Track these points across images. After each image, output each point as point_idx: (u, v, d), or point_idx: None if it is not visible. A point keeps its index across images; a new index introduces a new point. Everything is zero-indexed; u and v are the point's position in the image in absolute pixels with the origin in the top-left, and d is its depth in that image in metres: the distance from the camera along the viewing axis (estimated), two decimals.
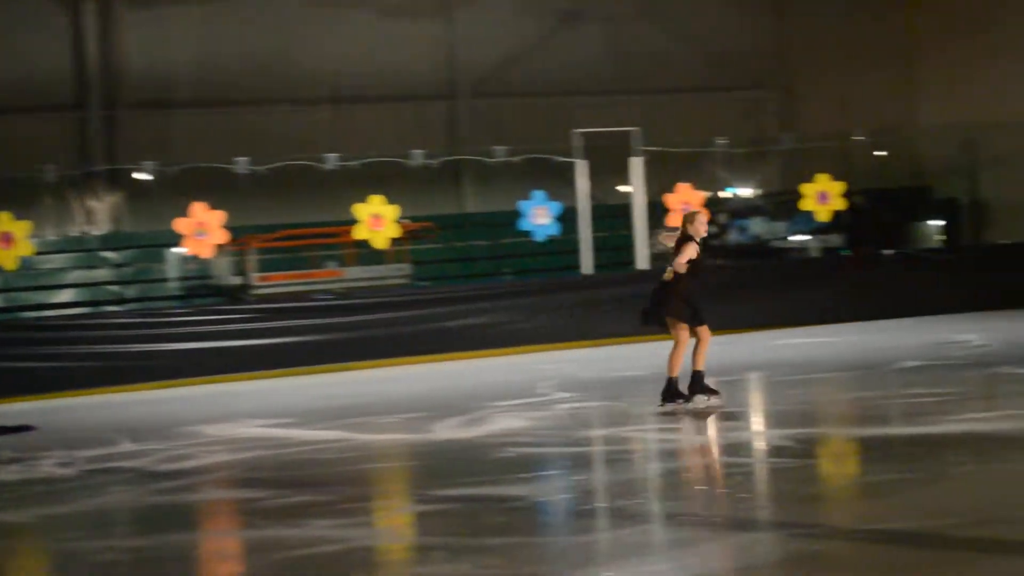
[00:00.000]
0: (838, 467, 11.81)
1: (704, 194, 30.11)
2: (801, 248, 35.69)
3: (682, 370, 15.53)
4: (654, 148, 30.14)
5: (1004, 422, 12.53)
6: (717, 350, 23.85)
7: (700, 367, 15.77)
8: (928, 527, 8.23)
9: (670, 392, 15.70)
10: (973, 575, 7.16)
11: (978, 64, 38.15)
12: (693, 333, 15.79)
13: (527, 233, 29.18)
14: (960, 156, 37.81)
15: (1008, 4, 37.85)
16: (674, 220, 28.81)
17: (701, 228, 16.02)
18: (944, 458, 10.70)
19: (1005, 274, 28.65)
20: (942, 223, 37.39)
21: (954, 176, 38.11)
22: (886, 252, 29.94)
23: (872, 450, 12.00)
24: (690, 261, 15.86)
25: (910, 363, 18.83)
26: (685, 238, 15.96)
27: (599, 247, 29.53)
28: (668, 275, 15.96)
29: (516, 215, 28.97)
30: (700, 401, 15.64)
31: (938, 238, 36.93)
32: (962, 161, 37.87)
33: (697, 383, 15.75)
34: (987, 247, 32.87)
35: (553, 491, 10.96)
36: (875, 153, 36.75)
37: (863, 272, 29.22)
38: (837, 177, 30.16)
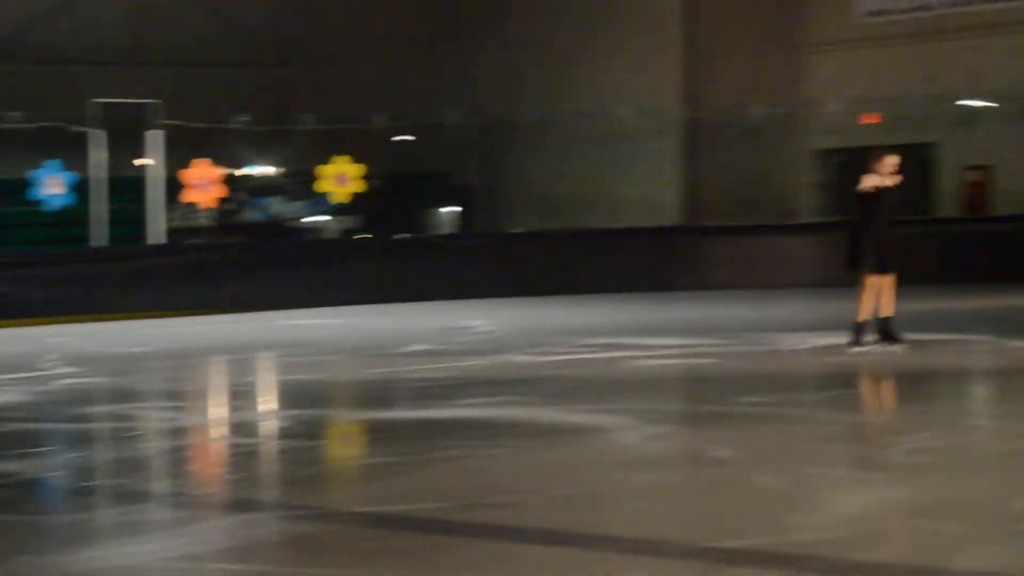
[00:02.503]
0: (340, 449, 11.95)
1: (223, 171, 29.93)
2: (318, 229, 35.95)
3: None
4: (173, 122, 29.78)
5: (499, 408, 12.91)
6: (230, 328, 23.91)
7: (887, 314, 16.51)
8: (420, 511, 8.42)
9: (886, 333, 16.50)
10: (454, 558, 7.35)
11: (496, 54, 39.21)
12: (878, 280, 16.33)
13: (38, 203, 28.35)
14: (479, 145, 38.77)
15: None
16: (190, 196, 28.60)
17: (885, 168, 16.35)
18: (441, 442, 10.95)
19: (516, 262, 29.49)
20: (458, 209, 38.28)
21: (472, 164, 39.07)
22: (402, 236, 30.40)
23: (374, 432, 12.20)
24: (872, 203, 16.18)
25: (417, 347, 19.18)
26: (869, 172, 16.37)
27: (113, 220, 28.98)
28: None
29: (26, 184, 28.10)
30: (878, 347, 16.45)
31: (454, 224, 37.78)
32: (480, 150, 38.86)
33: (885, 329, 16.53)
34: (501, 235, 33.78)
35: (49, 468, 10.71)
36: (397, 138, 37.27)
37: (379, 255, 29.58)
38: (358, 160, 30.42)
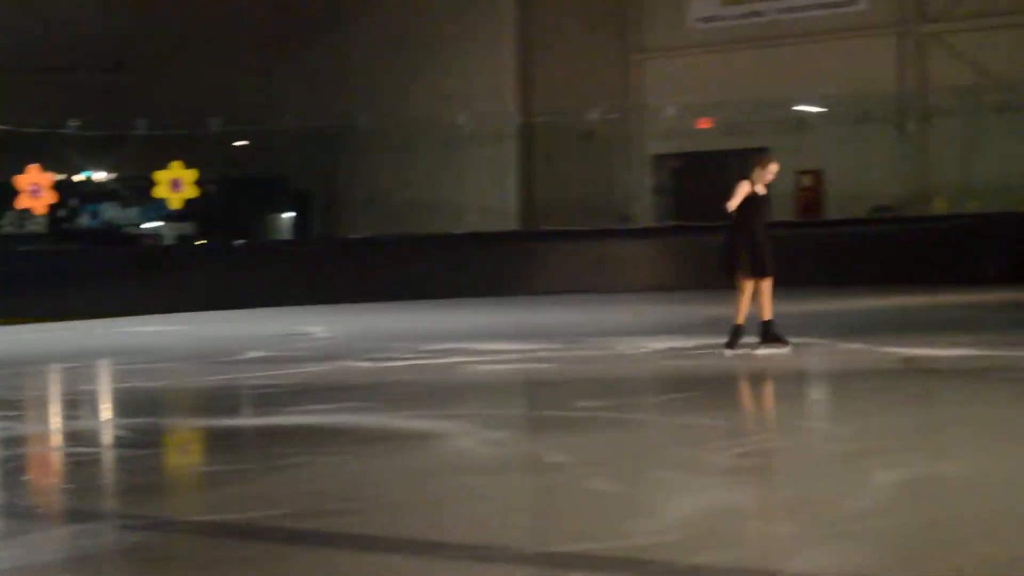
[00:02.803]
0: (178, 457, 11.84)
1: (55, 176, 29.54)
2: (154, 235, 35.58)
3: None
4: (4, 127, 29.34)
5: (340, 415, 12.89)
6: (66, 336, 23.56)
7: (766, 317, 16.57)
8: (261, 519, 8.36)
9: (768, 336, 16.62)
10: (296, 566, 7.32)
11: (335, 59, 39.11)
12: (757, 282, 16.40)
13: None
14: (317, 150, 38.63)
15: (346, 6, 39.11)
16: (22, 202, 28.15)
17: (766, 175, 16.40)
18: (282, 449, 10.90)
19: (354, 267, 29.48)
20: (295, 215, 38.10)
21: (310, 169, 38.92)
22: (238, 242, 30.19)
23: (213, 440, 12.10)
24: (746, 208, 16.18)
25: (256, 354, 19.09)
26: (743, 179, 16.28)
27: None
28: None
29: None
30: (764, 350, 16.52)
31: (290, 230, 37.60)
32: (319, 155, 38.71)
33: (766, 332, 16.59)
34: (338, 240, 33.72)
35: None
36: (236, 143, 37.02)
37: (215, 261, 29.39)
38: (194, 165, 30.19)
